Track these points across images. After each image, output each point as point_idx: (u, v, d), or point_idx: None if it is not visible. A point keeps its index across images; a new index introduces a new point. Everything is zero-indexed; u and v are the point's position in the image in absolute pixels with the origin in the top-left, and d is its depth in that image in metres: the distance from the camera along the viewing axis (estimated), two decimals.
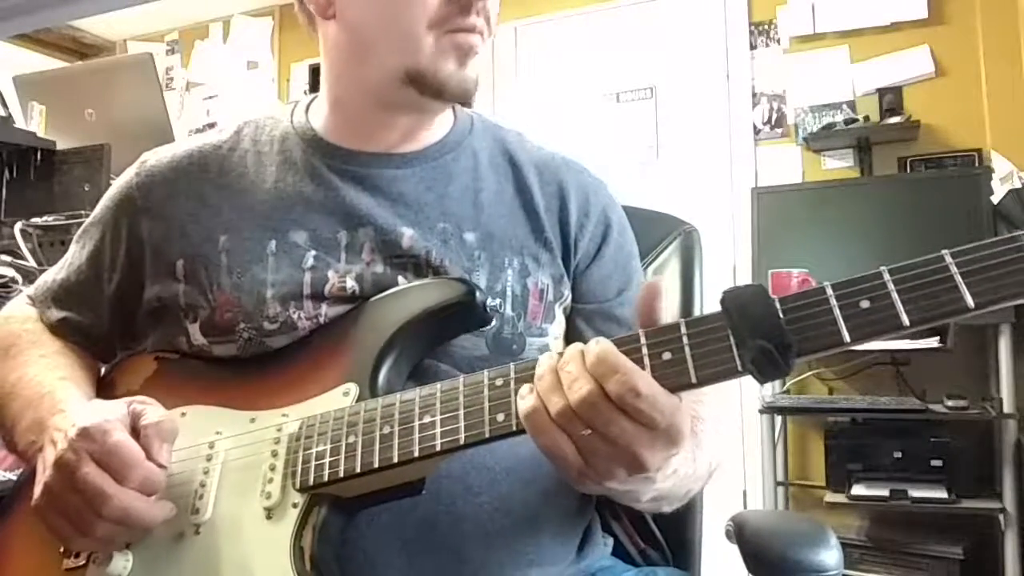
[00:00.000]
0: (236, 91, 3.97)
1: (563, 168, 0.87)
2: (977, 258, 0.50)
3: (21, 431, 0.73)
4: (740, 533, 0.87)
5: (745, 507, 2.76)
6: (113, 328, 0.85)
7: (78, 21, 3.81)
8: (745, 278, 2.87)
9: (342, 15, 0.78)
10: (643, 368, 0.53)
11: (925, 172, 2.72)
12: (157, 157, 0.84)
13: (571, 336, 0.82)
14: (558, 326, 0.81)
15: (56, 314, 0.86)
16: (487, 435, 0.58)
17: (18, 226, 1.53)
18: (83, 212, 1.61)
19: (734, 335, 0.53)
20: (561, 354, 0.56)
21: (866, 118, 2.75)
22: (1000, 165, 2.55)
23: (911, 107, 2.71)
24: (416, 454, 0.59)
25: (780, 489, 2.56)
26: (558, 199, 0.84)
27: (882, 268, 0.51)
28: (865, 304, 0.51)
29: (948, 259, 0.50)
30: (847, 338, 0.51)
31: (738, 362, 0.52)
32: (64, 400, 0.72)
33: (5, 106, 1.88)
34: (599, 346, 0.54)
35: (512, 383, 0.58)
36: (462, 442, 0.58)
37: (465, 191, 0.81)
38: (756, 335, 0.51)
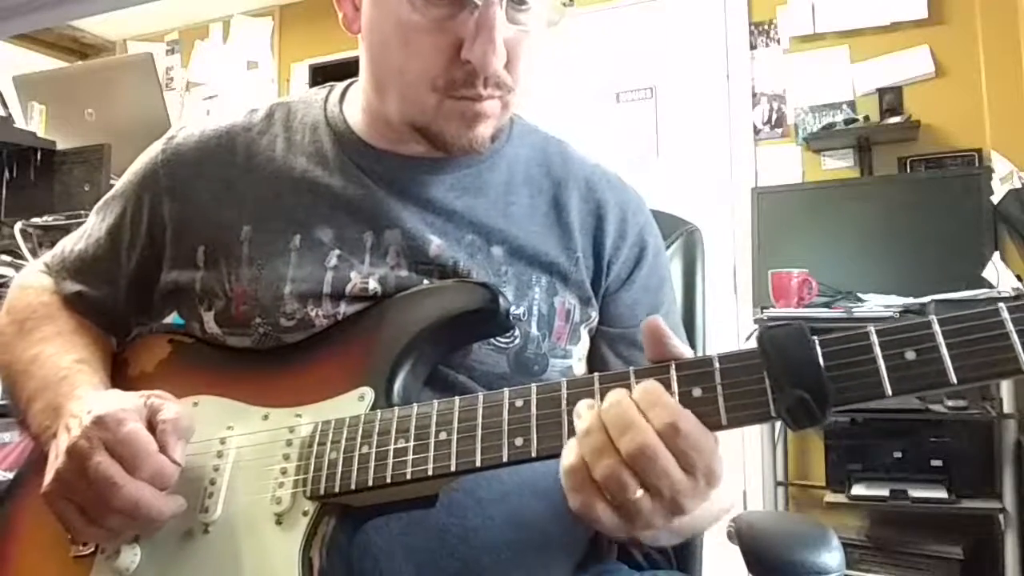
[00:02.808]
0: (236, 91, 3.97)
1: (604, 184, 0.83)
2: None
3: (35, 413, 0.72)
4: (742, 535, 0.87)
5: (745, 507, 2.76)
6: (129, 304, 0.83)
7: (78, 21, 3.81)
8: (745, 278, 2.87)
9: (365, 38, 0.74)
10: None
11: (925, 172, 2.72)
12: (185, 134, 0.82)
13: (593, 359, 0.80)
14: (582, 348, 0.79)
15: (72, 287, 0.84)
16: (505, 459, 0.56)
17: (18, 226, 1.53)
18: (83, 212, 1.61)
19: (770, 379, 0.50)
20: (600, 402, 0.53)
21: (866, 118, 2.75)
22: (1000, 165, 2.55)
23: (911, 107, 2.71)
24: (430, 473, 0.58)
25: (780, 489, 2.56)
26: (595, 217, 0.81)
27: (931, 317, 0.48)
28: (911, 355, 0.48)
29: (1004, 313, 0.47)
30: (889, 391, 0.48)
31: (772, 408, 0.50)
32: (80, 386, 0.71)
33: (5, 106, 1.88)
34: (642, 386, 0.52)
35: (533, 406, 0.56)
36: (478, 464, 0.56)
37: (496, 203, 0.78)
38: (794, 382, 0.49)
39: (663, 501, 0.50)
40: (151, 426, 0.63)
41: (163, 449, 0.62)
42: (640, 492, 0.50)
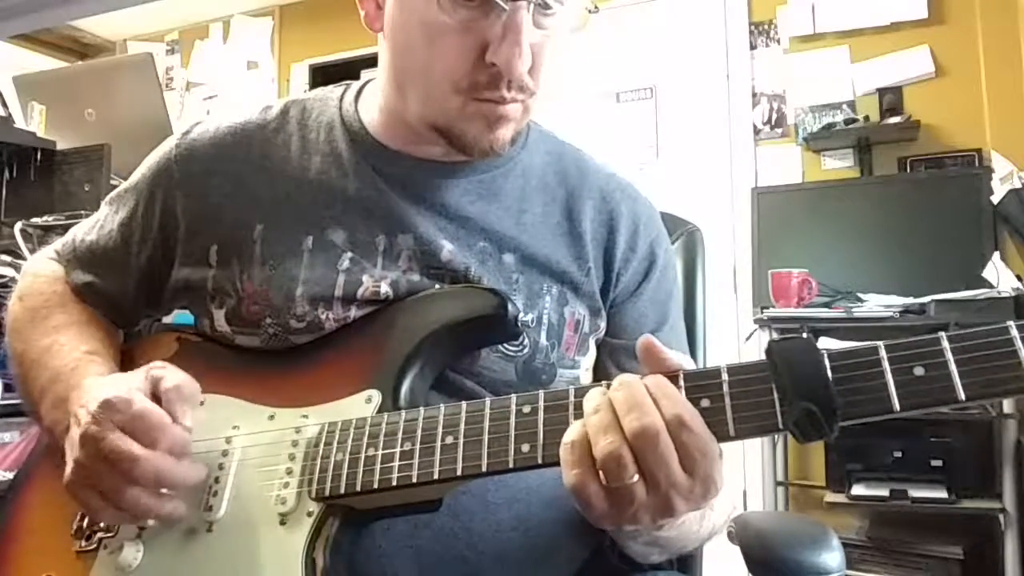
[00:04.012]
0: (236, 91, 3.97)
1: (618, 194, 0.83)
2: None
3: (47, 407, 0.73)
4: (742, 534, 0.87)
5: (745, 507, 2.76)
6: (138, 298, 0.84)
7: (78, 21, 3.81)
8: (745, 278, 2.87)
9: (388, 37, 0.74)
10: None
11: (925, 172, 2.72)
12: (200, 130, 0.82)
13: (595, 369, 0.80)
14: (590, 359, 0.78)
15: (82, 277, 0.84)
16: (510, 465, 0.56)
17: (18, 226, 1.53)
18: (83, 212, 1.61)
19: (779, 392, 0.50)
20: (610, 385, 0.54)
21: (866, 118, 2.75)
22: (1000, 165, 2.55)
23: (911, 107, 2.71)
24: (436, 476, 0.58)
25: (780, 489, 2.56)
26: (607, 228, 0.80)
27: (940, 334, 0.49)
28: (919, 371, 0.48)
29: (1013, 331, 0.47)
30: (897, 407, 0.48)
31: (780, 420, 0.50)
32: (88, 375, 0.72)
33: (5, 106, 1.88)
34: (654, 376, 0.52)
35: (541, 412, 0.56)
36: (484, 469, 0.56)
37: (509, 210, 0.78)
38: (802, 395, 0.49)
39: (657, 494, 0.50)
40: (155, 398, 0.63)
41: (172, 418, 0.62)
42: (636, 477, 0.49)
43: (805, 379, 0.50)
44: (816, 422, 0.49)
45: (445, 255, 0.74)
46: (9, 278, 1.34)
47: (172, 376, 0.65)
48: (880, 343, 0.50)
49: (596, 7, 0.74)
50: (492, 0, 0.65)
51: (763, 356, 0.52)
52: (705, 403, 0.52)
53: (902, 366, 0.49)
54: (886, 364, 0.49)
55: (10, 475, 0.99)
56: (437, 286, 0.72)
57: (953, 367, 0.48)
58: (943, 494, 2.22)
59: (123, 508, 0.61)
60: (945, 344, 0.48)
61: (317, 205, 0.76)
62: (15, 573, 0.71)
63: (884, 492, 2.27)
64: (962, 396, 0.47)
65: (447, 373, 0.71)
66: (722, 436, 0.51)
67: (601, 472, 0.50)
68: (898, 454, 2.30)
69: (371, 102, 0.80)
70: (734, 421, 0.51)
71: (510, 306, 0.68)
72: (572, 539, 0.74)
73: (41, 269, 0.88)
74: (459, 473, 0.57)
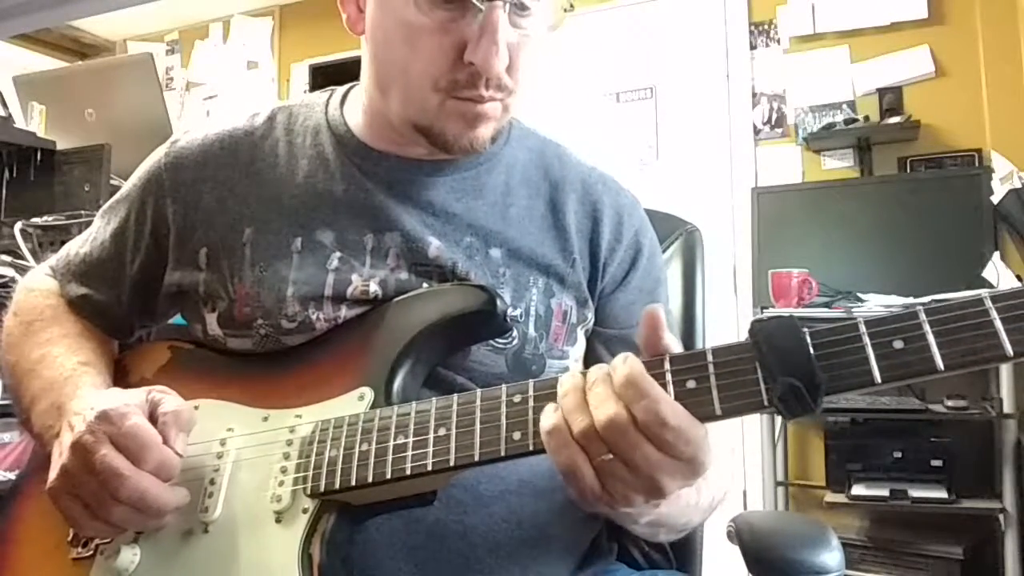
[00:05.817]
0: (236, 91, 3.97)
1: (600, 187, 0.85)
2: (1019, 304, 0.48)
3: (38, 413, 0.73)
4: (742, 534, 0.87)
5: (745, 507, 2.76)
6: (133, 307, 0.84)
7: (78, 21, 3.81)
8: (745, 278, 2.87)
9: (369, 38, 0.75)
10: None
11: (925, 172, 2.72)
12: (188, 138, 0.83)
13: (590, 360, 0.81)
14: (579, 349, 0.80)
15: (76, 290, 0.85)
16: (502, 453, 0.57)
17: (18, 226, 1.53)
18: (83, 212, 1.61)
19: (762, 369, 0.52)
20: (584, 373, 0.55)
21: (866, 118, 2.75)
22: (1000, 165, 2.55)
23: (911, 107, 2.71)
24: (429, 468, 0.58)
25: (780, 489, 2.56)
26: (591, 220, 0.82)
27: (918, 308, 0.50)
28: (899, 344, 0.50)
29: (988, 303, 0.49)
30: (878, 379, 0.50)
31: (764, 397, 0.51)
32: (83, 386, 0.72)
33: (5, 106, 1.88)
34: (627, 366, 0.52)
35: (531, 400, 0.57)
36: (476, 459, 0.57)
37: (494, 205, 0.79)
38: (785, 371, 0.50)
39: (639, 475, 0.51)
40: (152, 419, 0.64)
41: (164, 441, 0.63)
42: (609, 456, 0.51)
43: (788, 355, 0.51)
44: (800, 397, 0.50)
45: (432, 252, 0.75)
46: (9, 278, 1.34)
47: (170, 402, 0.65)
48: (860, 318, 0.51)
49: (572, 6, 0.75)
50: (468, 0, 0.66)
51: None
52: (691, 384, 0.53)
53: (882, 340, 0.50)
54: (866, 339, 0.50)
55: (11, 475, 0.99)
56: (425, 283, 0.73)
57: (931, 339, 0.49)
58: (943, 494, 2.23)
59: (104, 520, 0.61)
60: (923, 317, 0.50)
61: (305, 207, 0.77)
62: None
63: (884, 492, 2.28)
64: (941, 366, 0.49)
65: (438, 369, 0.72)
66: (708, 415, 0.52)
67: (584, 449, 0.52)
68: (898, 454, 2.30)
69: (356, 105, 0.81)
70: (720, 400, 0.52)
71: (499, 302, 0.69)
72: (565, 530, 0.75)
73: (36, 284, 0.88)
74: (452, 464, 0.58)
